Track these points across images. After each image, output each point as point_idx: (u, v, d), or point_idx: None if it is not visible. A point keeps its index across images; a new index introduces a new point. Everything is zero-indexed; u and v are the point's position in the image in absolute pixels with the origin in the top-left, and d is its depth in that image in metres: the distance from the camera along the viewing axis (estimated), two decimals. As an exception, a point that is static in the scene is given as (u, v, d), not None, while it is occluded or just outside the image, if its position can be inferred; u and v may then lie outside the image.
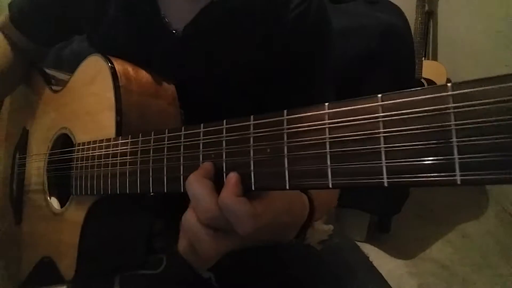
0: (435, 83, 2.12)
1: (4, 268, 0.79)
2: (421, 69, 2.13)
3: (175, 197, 0.42)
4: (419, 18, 2.17)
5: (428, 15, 2.28)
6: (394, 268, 1.55)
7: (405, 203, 1.59)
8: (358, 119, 0.28)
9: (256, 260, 0.68)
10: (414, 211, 1.83)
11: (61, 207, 0.65)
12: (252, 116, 0.34)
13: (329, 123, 0.29)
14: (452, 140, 0.23)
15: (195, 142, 0.39)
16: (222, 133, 0.37)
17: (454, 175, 0.23)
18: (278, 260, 0.66)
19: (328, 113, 0.29)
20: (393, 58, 1.36)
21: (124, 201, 0.56)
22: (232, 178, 0.35)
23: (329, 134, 0.29)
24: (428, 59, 2.34)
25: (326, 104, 0.30)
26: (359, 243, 0.67)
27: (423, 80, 2.13)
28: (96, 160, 0.54)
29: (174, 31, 0.62)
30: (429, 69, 2.16)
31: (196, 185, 0.36)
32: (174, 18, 0.62)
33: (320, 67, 0.66)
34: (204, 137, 0.38)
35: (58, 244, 0.65)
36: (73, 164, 0.60)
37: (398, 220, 1.71)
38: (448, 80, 2.17)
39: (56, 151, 0.69)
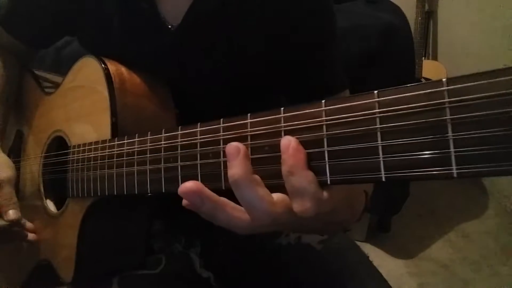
0: (435, 83, 2.12)
1: (3, 272, 0.78)
2: (421, 69, 2.13)
3: (173, 196, 0.42)
4: (419, 18, 2.17)
5: (428, 15, 2.28)
6: (394, 268, 1.55)
7: (405, 203, 1.59)
8: (355, 115, 0.28)
9: (255, 260, 0.68)
10: (414, 211, 1.83)
11: (58, 209, 0.65)
12: (249, 114, 0.34)
13: (326, 120, 0.29)
14: (448, 134, 0.24)
15: (193, 141, 0.39)
16: (220, 132, 0.36)
17: (451, 169, 0.24)
18: (277, 260, 0.66)
19: (325, 110, 0.29)
20: (393, 58, 1.36)
21: (121, 202, 0.56)
22: (301, 152, 0.30)
23: (326, 131, 0.29)
24: (428, 59, 2.34)
25: (323, 101, 0.30)
26: (359, 243, 0.67)
27: (423, 80, 2.13)
28: (92, 162, 0.54)
29: (170, 27, 0.61)
30: (429, 69, 2.16)
31: (250, 188, 0.31)
32: (169, 14, 0.61)
33: (324, 55, 0.65)
34: (201, 136, 0.38)
35: (55, 247, 0.65)
36: (69, 166, 0.60)
37: (398, 220, 1.71)
38: (448, 80, 2.17)
39: (51, 153, 0.68)
